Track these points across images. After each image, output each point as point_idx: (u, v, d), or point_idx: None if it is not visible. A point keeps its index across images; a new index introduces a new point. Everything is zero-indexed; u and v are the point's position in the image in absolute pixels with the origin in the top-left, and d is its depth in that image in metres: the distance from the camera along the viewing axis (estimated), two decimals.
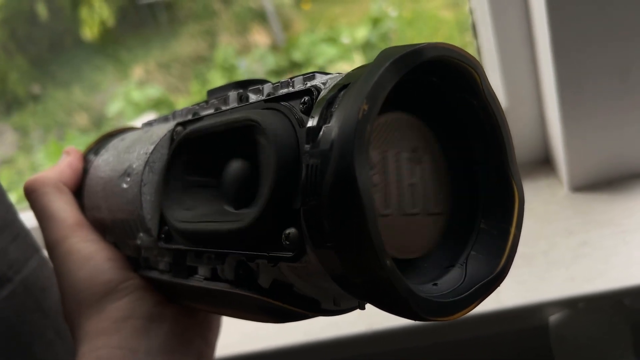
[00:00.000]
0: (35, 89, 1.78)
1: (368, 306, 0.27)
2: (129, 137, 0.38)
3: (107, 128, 1.63)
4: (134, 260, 0.36)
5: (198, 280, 0.31)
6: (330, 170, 0.21)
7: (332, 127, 0.22)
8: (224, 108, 0.31)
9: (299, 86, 0.27)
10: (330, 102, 0.23)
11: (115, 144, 0.39)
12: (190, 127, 0.32)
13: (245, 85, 0.32)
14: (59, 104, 1.77)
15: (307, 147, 0.23)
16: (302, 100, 0.25)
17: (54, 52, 1.77)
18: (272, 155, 0.24)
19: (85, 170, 0.40)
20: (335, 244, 0.22)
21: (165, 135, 0.34)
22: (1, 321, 0.41)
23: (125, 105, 1.66)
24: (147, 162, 0.33)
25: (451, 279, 0.25)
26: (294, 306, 0.27)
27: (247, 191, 0.27)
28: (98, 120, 1.74)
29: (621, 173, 0.61)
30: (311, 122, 0.23)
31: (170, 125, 0.34)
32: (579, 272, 0.51)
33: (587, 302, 0.48)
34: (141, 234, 0.33)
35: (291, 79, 0.27)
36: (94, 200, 0.38)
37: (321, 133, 0.22)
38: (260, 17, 1.76)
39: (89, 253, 0.35)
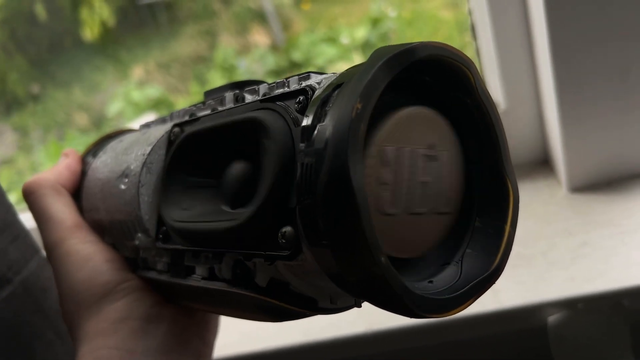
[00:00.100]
0: (35, 89, 1.78)
1: (367, 306, 0.27)
2: (126, 138, 0.38)
3: (107, 128, 1.63)
4: (132, 261, 0.36)
5: (196, 280, 0.31)
6: (324, 169, 0.21)
7: (327, 126, 0.22)
8: (220, 109, 0.31)
9: (294, 86, 0.27)
10: (325, 101, 0.23)
11: (114, 145, 0.39)
12: (191, 128, 0.32)
13: (241, 86, 0.32)
14: (58, 104, 1.77)
15: (302, 145, 0.23)
16: (297, 99, 0.25)
17: (53, 52, 1.77)
18: (274, 154, 0.24)
19: (83, 172, 0.41)
20: (330, 242, 0.22)
21: (163, 136, 0.34)
22: (1, 322, 0.41)
23: (125, 105, 1.66)
24: (144, 163, 0.33)
25: (447, 277, 0.25)
26: (291, 305, 0.27)
27: (246, 191, 0.27)
28: (98, 120, 1.74)
29: (620, 173, 0.61)
30: (306, 121, 0.24)
31: (167, 126, 0.34)
32: (578, 272, 0.51)
33: (587, 303, 0.48)
34: (139, 235, 0.33)
35: (286, 79, 0.27)
36: (92, 201, 0.38)
37: (316, 132, 0.23)
38: (260, 17, 1.76)
39: (87, 254, 0.36)
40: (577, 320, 0.49)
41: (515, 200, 0.26)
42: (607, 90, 0.56)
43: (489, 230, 0.26)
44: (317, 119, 0.23)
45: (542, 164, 0.68)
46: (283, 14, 1.80)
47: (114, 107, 1.69)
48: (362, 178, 0.21)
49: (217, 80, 1.61)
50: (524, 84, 0.65)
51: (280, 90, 0.27)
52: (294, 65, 1.58)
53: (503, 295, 0.50)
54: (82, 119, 1.79)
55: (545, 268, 0.52)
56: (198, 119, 0.32)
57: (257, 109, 0.27)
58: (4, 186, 0.46)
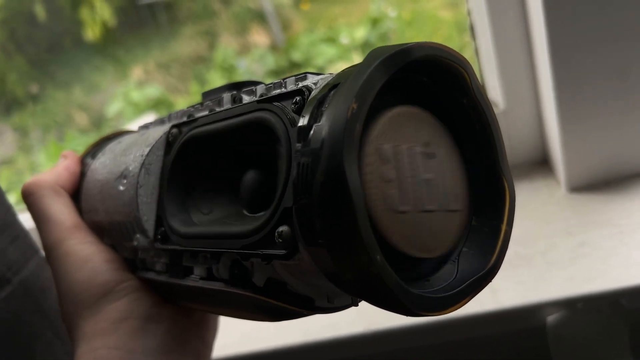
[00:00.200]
0: (35, 89, 1.78)
1: (366, 306, 0.27)
2: (125, 140, 0.39)
3: (107, 128, 1.63)
4: (131, 262, 0.36)
5: (194, 280, 0.31)
6: (320, 168, 0.21)
7: (323, 126, 0.22)
8: (218, 109, 0.31)
9: (291, 87, 0.27)
10: (321, 101, 0.24)
11: (112, 147, 0.39)
12: (191, 129, 0.32)
13: (239, 86, 0.32)
14: (58, 105, 1.77)
15: (298, 145, 0.23)
16: (294, 100, 0.25)
17: (53, 52, 1.77)
18: (285, 157, 0.24)
19: (82, 174, 0.41)
20: (326, 241, 0.22)
21: (161, 137, 0.34)
22: (0, 322, 0.42)
23: (125, 105, 1.66)
24: (143, 164, 0.33)
25: (443, 275, 0.25)
26: (288, 304, 0.27)
27: (263, 194, 0.28)
28: (98, 120, 1.74)
29: (619, 173, 0.61)
30: (302, 121, 0.24)
31: (165, 127, 0.34)
32: (577, 272, 0.51)
33: (586, 303, 0.48)
34: (138, 236, 0.34)
35: (283, 79, 0.28)
36: (91, 202, 0.38)
37: (312, 132, 0.23)
38: (260, 17, 1.76)
39: (86, 255, 0.36)
40: (576, 320, 0.49)
41: (512, 200, 0.26)
42: (606, 90, 0.56)
43: (486, 230, 0.26)
44: (314, 119, 0.23)
45: (541, 164, 0.68)
46: (283, 14, 1.80)
47: (114, 107, 1.69)
48: (358, 177, 0.21)
49: (216, 80, 1.61)
50: (523, 84, 0.65)
51: (277, 91, 0.27)
52: (294, 65, 1.58)
53: (502, 295, 0.50)
54: (81, 119, 1.79)
55: (544, 268, 0.52)
56: (196, 120, 0.32)
57: (255, 110, 0.27)
58: (4, 186, 0.46)
